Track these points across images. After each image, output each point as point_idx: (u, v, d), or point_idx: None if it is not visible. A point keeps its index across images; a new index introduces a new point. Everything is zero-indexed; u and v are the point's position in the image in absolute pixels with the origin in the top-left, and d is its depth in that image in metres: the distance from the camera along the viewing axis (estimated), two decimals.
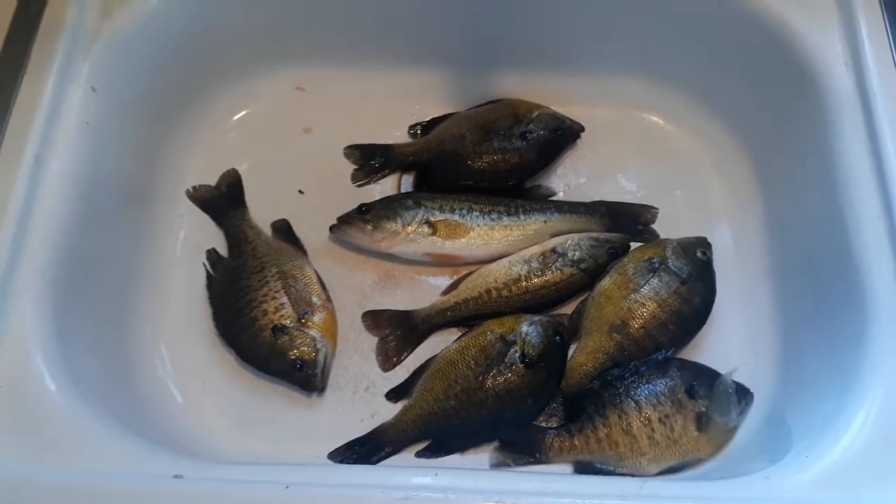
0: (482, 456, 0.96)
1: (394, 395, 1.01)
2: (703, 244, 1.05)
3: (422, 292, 1.08)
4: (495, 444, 0.95)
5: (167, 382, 1.00)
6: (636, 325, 0.99)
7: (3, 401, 0.76)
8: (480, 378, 0.96)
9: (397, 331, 1.04)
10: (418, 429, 0.96)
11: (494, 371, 0.97)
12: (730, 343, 1.03)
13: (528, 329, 0.99)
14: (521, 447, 0.94)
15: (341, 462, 0.93)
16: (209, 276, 1.06)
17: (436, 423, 0.96)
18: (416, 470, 0.82)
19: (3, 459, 0.74)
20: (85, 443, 0.75)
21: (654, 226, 1.12)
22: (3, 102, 0.87)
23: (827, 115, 0.98)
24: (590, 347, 1.00)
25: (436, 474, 0.74)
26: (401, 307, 1.06)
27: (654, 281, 1.01)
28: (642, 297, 1.01)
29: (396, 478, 0.73)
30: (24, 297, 0.81)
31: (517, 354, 0.97)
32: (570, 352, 1.02)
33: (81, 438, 0.75)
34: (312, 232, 1.10)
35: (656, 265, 1.02)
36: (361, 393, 1.01)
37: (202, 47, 1.09)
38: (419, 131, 1.19)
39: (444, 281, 1.09)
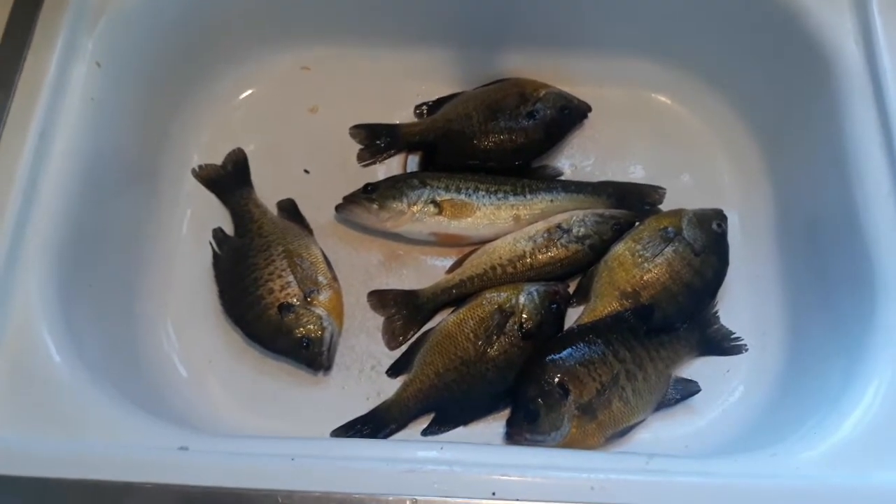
0: (488, 432, 0.96)
1: (393, 370, 1.01)
2: (720, 216, 1.06)
3: (427, 272, 1.08)
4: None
5: (174, 359, 1.00)
6: (646, 295, 1.00)
7: (8, 373, 0.76)
8: (480, 350, 0.97)
9: (403, 310, 1.04)
10: (420, 403, 0.96)
11: (493, 342, 0.97)
12: (738, 323, 1.02)
13: (525, 299, 0.99)
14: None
15: None
16: (215, 255, 1.06)
17: (437, 397, 0.96)
18: (421, 444, 0.83)
19: (8, 431, 0.74)
20: (89, 414, 0.75)
21: (661, 206, 1.12)
22: (8, 78, 0.87)
23: (837, 94, 0.97)
24: (599, 311, 1.01)
25: (441, 448, 0.73)
26: (407, 287, 1.06)
27: (668, 251, 1.02)
28: (655, 267, 1.01)
29: (402, 451, 0.73)
30: (30, 270, 0.81)
31: (515, 326, 0.97)
32: (580, 312, 1.02)
33: (86, 410, 0.75)
34: (318, 211, 1.10)
35: (671, 234, 1.02)
36: (367, 371, 1.01)
37: (208, 25, 1.08)
38: (425, 111, 1.18)
39: (450, 261, 1.09)
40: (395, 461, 0.71)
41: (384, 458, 0.71)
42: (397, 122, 1.17)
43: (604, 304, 1.01)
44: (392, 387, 0.99)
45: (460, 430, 0.96)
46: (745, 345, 1.01)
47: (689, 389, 0.97)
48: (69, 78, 0.91)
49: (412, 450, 0.73)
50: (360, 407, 0.97)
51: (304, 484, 0.69)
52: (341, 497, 0.68)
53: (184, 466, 0.71)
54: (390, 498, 0.68)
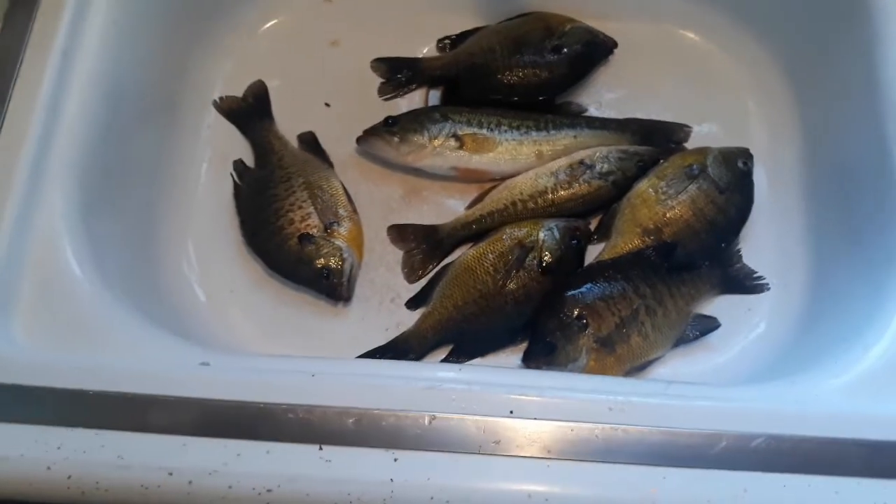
0: (506, 363, 0.96)
1: (413, 303, 1.01)
2: (745, 154, 1.04)
3: (447, 208, 1.07)
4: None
5: (195, 289, 1.01)
6: (669, 232, 0.99)
7: (33, 289, 0.77)
8: (498, 284, 0.97)
9: (423, 244, 1.04)
10: (438, 334, 0.97)
11: (513, 277, 0.97)
12: (761, 262, 1.01)
13: (546, 234, 0.99)
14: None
15: None
16: (236, 186, 1.06)
17: (455, 329, 0.97)
18: (439, 365, 0.82)
19: (34, 343, 0.75)
20: (112, 330, 0.76)
21: (686, 145, 1.10)
22: None
23: (873, 26, 0.94)
24: (620, 247, 1.00)
25: (460, 369, 0.74)
26: (426, 222, 1.05)
27: (692, 188, 1.00)
28: (678, 204, 1.00)
29: (421, 370, 0.74)
30: (54, 188, 0.81)
31: (535, 260, 0.97)
32: (601, 249, 1.02)
33: (109, 326, 0.76)
34: (338, 145, 1.09)
35: (696, 172, 1.01)
36: (387, 304, 1.02)
37: None
38: (448, 45, 1.16)
39: (470, 198, 1.08)
40: (415, 379, 0.71)
41: (403, 376, 0.72)
42: (419, 55, 1.15)
43: (625, 240, 1.01)
44: (411, 319, 0.99)
45: (477, 361, 0.97)
46: (768, 284, 1.00)
47: (709, 325, 0.97)
48: None
49: (431, 370, 0.74)
50: (379, 338, 0.97)
51: (324, 399, 0.70)
52: (360, 412, 0.69)
53: (205, 381, 0.72)
54: (409, 413, 0.69)
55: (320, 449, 0.68)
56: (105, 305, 0.77)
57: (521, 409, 0.69)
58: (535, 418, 0.69)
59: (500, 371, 0.77)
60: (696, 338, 0.97)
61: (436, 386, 0.70)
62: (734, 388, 0.77)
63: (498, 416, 0.69)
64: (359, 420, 0.69)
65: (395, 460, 0.67)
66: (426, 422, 0.68)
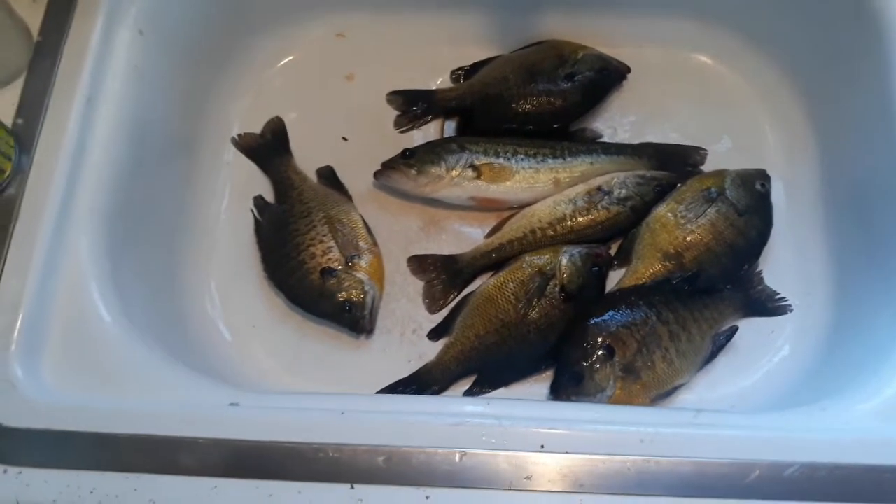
0: (530, 393, 0.96)
1: (435, 333, 1.01)
2: (763, 176, 1.04)
3: (466, 237, 1.08)
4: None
5: (218, 325, 1.01)
6: (689, 256, 1.00)
7: (62, 333, 0.78)
8: (520, 312, 0.97)
9: (443, 274, 1.04)
10: (461, 365, 0.97)
11: (534, 305, 0.97)
12: (782, 283, 1.01)
13: (566, 261, 0.99)
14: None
15: None
16: (257, 222, 1.07)
17: (478, 359, 0.97)
18: (468, 399, 0.82)
19: (65, 389, 0.75)
20: (141, 372, 0.77)
21: (703, 167, 1.10)
22: (55, 44, 0.88)
23: (886, 48, 0.94)
24: (641, 273, 1.00)
25: (488, 403, 0.74)
26: (446, 252, 1.06)
27: (711, 211, 1.01)
28: (698, 227, 1.00)
29: (450, 406, 0.74)
30: (80, 232, 0.82)
31: (556, 288, 0.97)
32: (622, 275, 1.02)
33: (137, 368, 0.77)
34: (357, 178, 1.10)
35: (714, 195, 1.01)
36: (409, 335, 1.02)
37: None
38: (462, 75, 1.17)
39: (489, 226, 1.08)
40: (444, 415, 0.71)
41: (432, 413, 0.72)
42: (434, 87, 1.16)
43: (646, 265, 1.01)
44: (433, 350, 1.00)
45: (501, 391, 0.97)
46: (790, 305, 1.00)
47: (729, 333, 0.97)
48: (113, 45, 0.91)
49: (459, 405, 0.74)
50: (402, 369, 0.98)
51: (354, 437, 0.70)
52: (391, 450, 0.69)
53: (235, 421, 0.72)
54: (439, 450, 0.69)
55: (352, 488, 0.68)
56: (133, 347, 0.78)
57: (552, 443, 0.69)
58: (566, 452, 0.69)
59: (529, 404, 0.77)
60: (721, 348, 0.96)
61: (465, 422, 0.70)
62: (764, 416, 0.76)
63: (528, 451, 0.69)
64: (389, 458, 0.69)
65: (427, 498, 0.67)
66: (457, 458, 0.68)
